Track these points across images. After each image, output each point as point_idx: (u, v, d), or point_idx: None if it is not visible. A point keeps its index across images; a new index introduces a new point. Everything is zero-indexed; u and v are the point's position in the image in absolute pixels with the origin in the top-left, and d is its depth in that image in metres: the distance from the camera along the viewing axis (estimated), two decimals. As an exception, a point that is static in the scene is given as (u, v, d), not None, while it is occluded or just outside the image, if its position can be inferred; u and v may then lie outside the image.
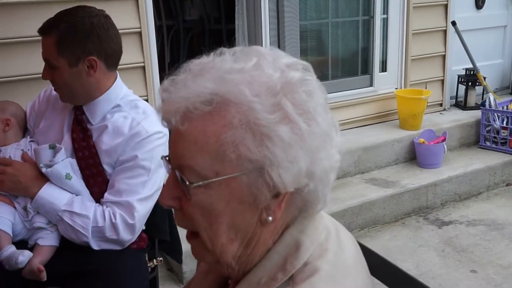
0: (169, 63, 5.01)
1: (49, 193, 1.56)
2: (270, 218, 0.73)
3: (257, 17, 3.39)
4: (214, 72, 0.72)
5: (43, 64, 1.62)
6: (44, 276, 1.51)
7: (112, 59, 1.62)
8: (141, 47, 2.80)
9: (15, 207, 1.59)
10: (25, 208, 1.58)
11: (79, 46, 1.53)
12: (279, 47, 3.44)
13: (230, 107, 0.69)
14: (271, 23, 3.40)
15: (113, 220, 1.55)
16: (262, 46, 3.37)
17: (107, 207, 1.57)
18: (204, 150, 0.70)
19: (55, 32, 1.53)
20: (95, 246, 1.57)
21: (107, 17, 1.61)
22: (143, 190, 1.59)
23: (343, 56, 3.92)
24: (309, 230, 0.78)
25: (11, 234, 1.56)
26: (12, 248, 1.53)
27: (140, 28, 2.78)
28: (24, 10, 2.44)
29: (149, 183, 1.60)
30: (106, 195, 1.59)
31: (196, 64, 0.75)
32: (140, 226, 1.61)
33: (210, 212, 0.73)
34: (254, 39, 3.47)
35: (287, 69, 0.73)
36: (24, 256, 1.50)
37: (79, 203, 1.56)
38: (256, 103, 0.69)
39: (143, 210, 1.59)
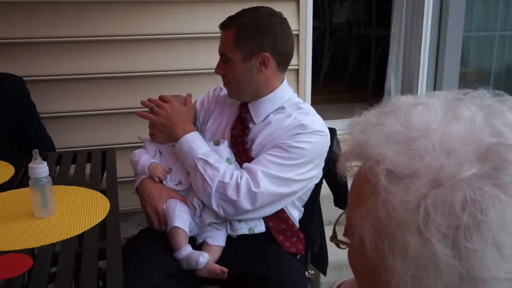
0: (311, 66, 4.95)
1: (191, 140, 1.61)
2: None
3: (418, 25, 3.20)
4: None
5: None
6: (225, 275, 1.52)
7: (283, 59, 1.64)
8: (297, 50, 2.76)
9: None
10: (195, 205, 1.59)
11: (255, 41, 1.57)
12: (437, 57, 3.23)
13: (380, 183, 0.56)
14: (431, 32, 3.18)
15: (238, 181, 1.53)
16: (420, 55, 3.19)
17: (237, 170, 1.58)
18: (352, 208, 0.62)
19: (235, 25, 1.58)
20: (213, 203, 1.53)
21: (284, 19, 1.65)
22: (273, 167, 1.53)
23: (508, 73, 3.56)
24: None
25: (188, 233, 1.58)
26: (190, 248, 1.54)
27: (298, 30, 2.74)
28: (205, 9, 2.52)
29: (284, 168, 1.54)
30: None
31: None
32: (261, 201, 1.53)
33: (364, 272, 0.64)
34: (409, 48, 3.29)
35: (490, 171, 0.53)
36: (204, 257, 1.51)
37: (216, 157, 1.58)
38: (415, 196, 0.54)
39: (266, 184, 1.52)
